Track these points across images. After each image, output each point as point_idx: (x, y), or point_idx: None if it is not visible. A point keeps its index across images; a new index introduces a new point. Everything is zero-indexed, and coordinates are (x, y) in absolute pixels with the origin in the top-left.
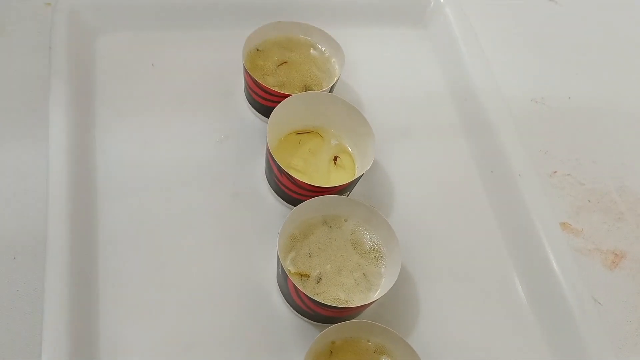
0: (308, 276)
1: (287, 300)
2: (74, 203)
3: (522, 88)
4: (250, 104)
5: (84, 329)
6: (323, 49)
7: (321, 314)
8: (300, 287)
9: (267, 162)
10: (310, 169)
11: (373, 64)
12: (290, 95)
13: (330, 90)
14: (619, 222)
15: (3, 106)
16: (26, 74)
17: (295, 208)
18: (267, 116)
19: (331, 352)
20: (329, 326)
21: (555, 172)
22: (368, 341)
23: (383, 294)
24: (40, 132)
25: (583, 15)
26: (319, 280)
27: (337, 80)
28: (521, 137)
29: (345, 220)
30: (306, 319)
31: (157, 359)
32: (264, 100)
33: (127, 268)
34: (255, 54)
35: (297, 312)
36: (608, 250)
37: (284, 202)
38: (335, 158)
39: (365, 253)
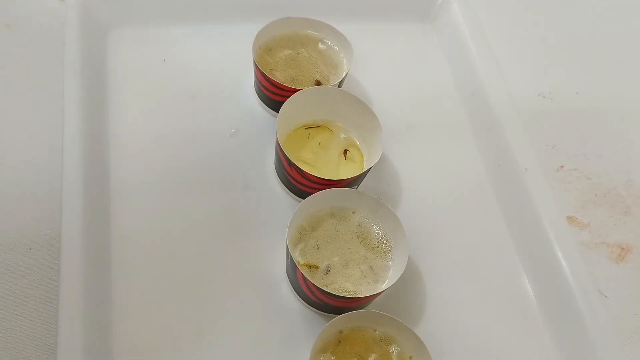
0: (317, 267)
1: (296, 291)
2: (88, 195)
3: (530, 83)
4: (260, 98)
5: (98, 317)
6: (332, 44)
7: (329, 304)
8: (309, 278)
9: (277, 155)
10: (320, 162)
11: (381, 59)
12: (299, 89)
13: (339, 85)
14: (625, 216)
15: (17, 101)
16: (39, 69)
17: (303, 200)
18: (277, 110)
19: (339, 341)
20: (337, 316)
21: (562, 166)
22: (375, 330)
23: (390, 285)
24: (54, 127)
25: (591, 9)
26: (327, 271)
27: (345, 75)
28: (528, 132)
29: (353, 213)
30: (314, 309)
31: (168, 348)
32: (274, 95)
33: (139, 258)
34: (265, 49)
35: (305, 302)
36: (614, 244)
37: (293, 194)
38: (346, 151)
39: (372, 246)
